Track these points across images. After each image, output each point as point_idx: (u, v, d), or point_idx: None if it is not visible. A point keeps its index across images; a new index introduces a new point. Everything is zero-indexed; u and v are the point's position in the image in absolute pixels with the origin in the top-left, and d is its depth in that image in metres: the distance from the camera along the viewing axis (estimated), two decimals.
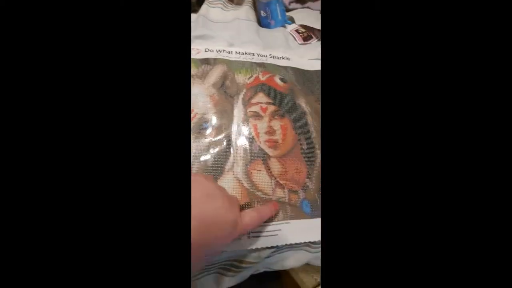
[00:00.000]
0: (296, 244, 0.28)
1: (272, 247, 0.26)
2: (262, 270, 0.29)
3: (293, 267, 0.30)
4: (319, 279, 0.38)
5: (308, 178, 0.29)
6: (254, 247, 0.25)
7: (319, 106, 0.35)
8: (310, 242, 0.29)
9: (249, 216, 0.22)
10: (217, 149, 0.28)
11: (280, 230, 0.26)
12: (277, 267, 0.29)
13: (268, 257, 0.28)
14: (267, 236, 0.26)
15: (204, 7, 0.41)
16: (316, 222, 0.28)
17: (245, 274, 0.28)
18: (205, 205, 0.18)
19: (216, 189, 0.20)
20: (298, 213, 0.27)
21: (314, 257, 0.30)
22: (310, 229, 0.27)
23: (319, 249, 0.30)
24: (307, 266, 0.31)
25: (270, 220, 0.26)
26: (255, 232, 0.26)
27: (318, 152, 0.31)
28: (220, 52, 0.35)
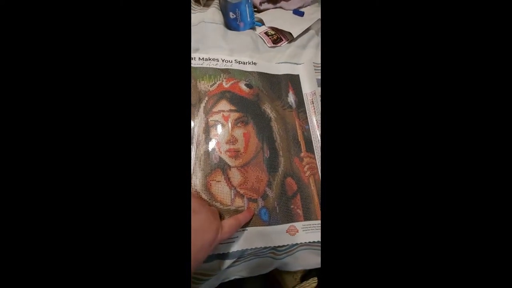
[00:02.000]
0: (259, 251, 0.28)
1: (228, 253, 0.26)
2: (232, 278, 0.29)
3: (262, 273, 0.30)
4: (298, 279, 0.40)
5: (268, 187, 0.29)
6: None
7: (285, 111, 0.35)
8: (273, 249, 0.29)
9: (228, 224, 0.25)
10: None
11: (237, 237, 0.27)
12: (248, 274, 0.29)
13: (230, 267, 0.28)
14: (222, 244, 0.26)
15: None
16: (274, 229, 0.28)
17: (211, 283, 0.28)
18: (192, 219, 0.21)
19: (200, 204, 0.24)
20: (255, 221, 0.27)
21: (282, 263, 0.30)
22: (267, 236, 0.27)
23: (285, 255, 0.30)
24: None
25: (245, 225, 0.27)
26: None
27: (282, 160, 0.31)
28: None
